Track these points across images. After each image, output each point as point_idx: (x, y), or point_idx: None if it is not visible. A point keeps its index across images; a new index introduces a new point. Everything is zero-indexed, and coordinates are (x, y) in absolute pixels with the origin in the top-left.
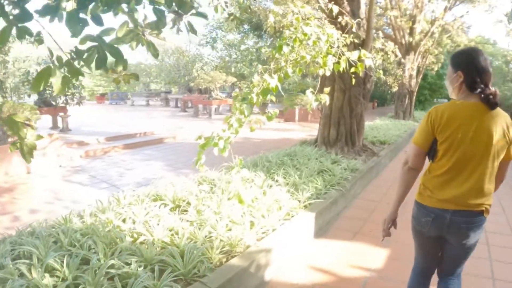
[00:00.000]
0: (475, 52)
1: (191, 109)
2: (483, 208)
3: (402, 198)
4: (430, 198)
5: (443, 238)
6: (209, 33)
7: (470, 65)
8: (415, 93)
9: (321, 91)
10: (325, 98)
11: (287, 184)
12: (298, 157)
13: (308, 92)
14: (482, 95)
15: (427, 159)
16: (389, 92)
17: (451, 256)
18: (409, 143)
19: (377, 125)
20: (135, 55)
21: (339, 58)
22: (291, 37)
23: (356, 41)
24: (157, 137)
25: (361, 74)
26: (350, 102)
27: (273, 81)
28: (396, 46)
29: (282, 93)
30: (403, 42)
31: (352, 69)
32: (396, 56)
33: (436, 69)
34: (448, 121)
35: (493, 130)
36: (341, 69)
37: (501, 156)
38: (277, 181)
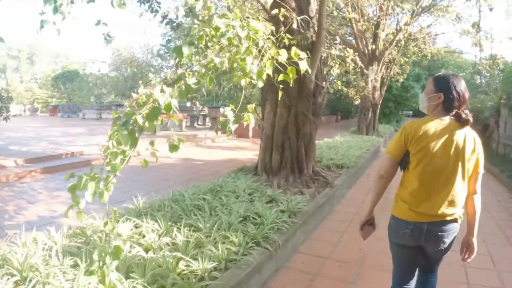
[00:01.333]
0: (458, 79)
1: None
2: (457, 217)
3: (374, 204)
4: (407, 211)
5: (421, 247)
6: (167, 43)
7: (451, 90)
8: (379, 106)
9: (263, 106)
10: (250, 118)
11: (187, 244)
12: (223, 194)
13: (227, 110)
14: (455, 114)
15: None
16: (354, 104)
17: (428, 259)
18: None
19: (336, 143)
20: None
21: (262, 59)
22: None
23: (294, 40)
24: (85, 159)
25: (292, 84)
26: (296, 120)
27: (162, 97)
28: (357, 54)
29: (177, 112)
30: (366, 51)
31: (281, 77)
32: (356, 65)
33: (401, 80)
34: (421, 135)
35: (463, 145)
36: (264, 77)
37: (471, 170)
38: (175, 238)
